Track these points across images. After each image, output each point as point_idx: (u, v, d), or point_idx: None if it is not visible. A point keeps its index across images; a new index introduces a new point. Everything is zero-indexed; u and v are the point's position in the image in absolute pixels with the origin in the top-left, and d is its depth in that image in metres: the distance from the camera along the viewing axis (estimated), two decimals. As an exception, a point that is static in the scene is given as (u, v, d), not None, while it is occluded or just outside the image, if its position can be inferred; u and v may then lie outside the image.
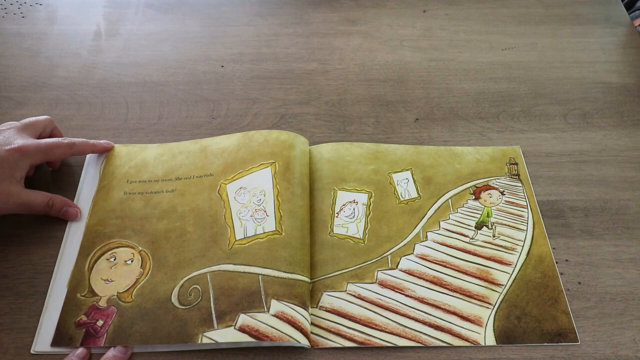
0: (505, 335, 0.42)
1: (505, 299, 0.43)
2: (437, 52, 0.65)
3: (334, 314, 0.43)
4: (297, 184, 0.48)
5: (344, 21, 0.69)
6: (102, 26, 0.67)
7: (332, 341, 0.41)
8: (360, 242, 0.47)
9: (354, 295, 0.44)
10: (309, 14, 0.70)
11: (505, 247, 0.47)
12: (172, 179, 0.50)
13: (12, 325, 0.41)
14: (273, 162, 0.49)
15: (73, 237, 0.46)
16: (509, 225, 0.48)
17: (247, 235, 0.45)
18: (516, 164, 0.53)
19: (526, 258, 0.46)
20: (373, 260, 0.46)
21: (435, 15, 0.70)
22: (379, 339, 0.41)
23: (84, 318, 0.41)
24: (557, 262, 0.46)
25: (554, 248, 0.47)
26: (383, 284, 0.45)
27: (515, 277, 0.45)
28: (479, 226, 0.48)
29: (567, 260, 0.46)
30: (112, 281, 0.43)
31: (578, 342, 0.41)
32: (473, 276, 0.45)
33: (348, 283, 0.44)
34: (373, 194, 0.50)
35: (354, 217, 0.48)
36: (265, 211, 0.46)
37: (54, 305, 0.42)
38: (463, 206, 0.50)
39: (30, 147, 0.45)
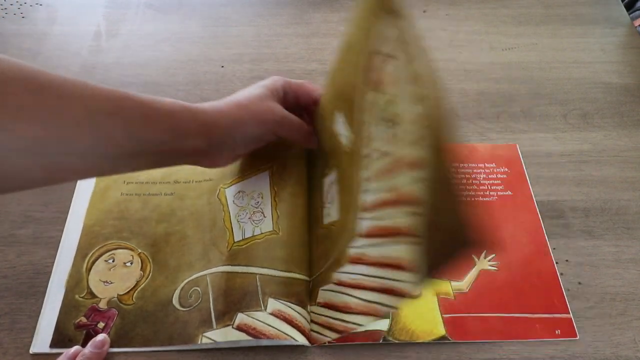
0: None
1: None
2: (437, 52, 0.65)
3: (327, 307, 0.41)
4: (295, 184, 0.48)
5: (344, 21, 0.69)
6: (102, 26, 0.67)
7: (326, 336, 0.40)
8: (337, 223, 0.43)
9: (336, 284, 0.41)
10: (309, 14, 0.70)
11: None
12: (171, 182, 0.50)
13: (12, 325, 0.41)
14: (271, 166, 0.49)
15: (71, 237, 0.46)
16: None
17: (245, 237, 0.45)
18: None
19: None
20: (346, 238, 0.40)
21: (435, 15, 0.70)
22: (353, 323, 0.38)
23: (84, 320, 0.41)
24: (557, 263, 0.46)
25: (554, 248, 0.47)
26: (354, 261, 0.39)
27: None
28: None
29: (567, 261, 0.46)
30: (111, 283, 0.43)
31: (577, 346, 0.41)
32: None
33: (334, 273, 0.41)
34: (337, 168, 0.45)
35: (332, 200, 0.44)
36: (262, 213, 0.46)
37: (52, 306, 0.42)
38: None
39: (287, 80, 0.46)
